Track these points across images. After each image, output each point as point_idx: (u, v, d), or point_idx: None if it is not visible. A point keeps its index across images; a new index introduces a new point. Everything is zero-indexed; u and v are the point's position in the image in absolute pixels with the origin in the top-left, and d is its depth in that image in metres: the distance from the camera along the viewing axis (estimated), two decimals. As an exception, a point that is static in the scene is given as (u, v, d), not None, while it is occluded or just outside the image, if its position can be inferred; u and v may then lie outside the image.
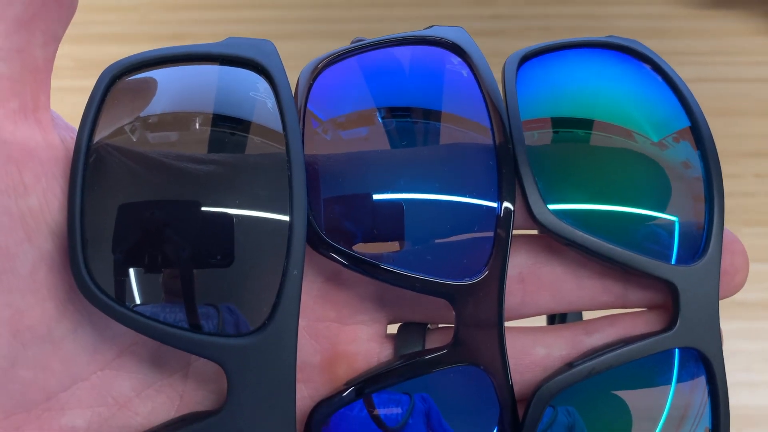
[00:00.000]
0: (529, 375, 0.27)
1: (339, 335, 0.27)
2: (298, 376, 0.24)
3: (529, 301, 0.27)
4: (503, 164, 0.26)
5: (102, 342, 0.23)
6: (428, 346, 0.27)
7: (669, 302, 0.27)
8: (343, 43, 0.27)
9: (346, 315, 0.27)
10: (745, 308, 0.56)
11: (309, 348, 0.27)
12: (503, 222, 0.26)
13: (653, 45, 0.66)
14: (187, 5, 0.63)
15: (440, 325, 0.28)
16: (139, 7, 0.62)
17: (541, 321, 0.31)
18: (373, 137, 0.27)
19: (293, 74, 0.25)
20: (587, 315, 0.29)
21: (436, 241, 0.26)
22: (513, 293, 0.27)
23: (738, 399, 0.53)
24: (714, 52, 0.64)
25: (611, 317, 0.28)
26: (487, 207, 0.26)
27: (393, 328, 0.29)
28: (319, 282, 0.27)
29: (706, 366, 0.26)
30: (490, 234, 0.26)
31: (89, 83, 0.52)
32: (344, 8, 0.63)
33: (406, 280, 0.25)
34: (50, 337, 0.23)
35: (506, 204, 0.26)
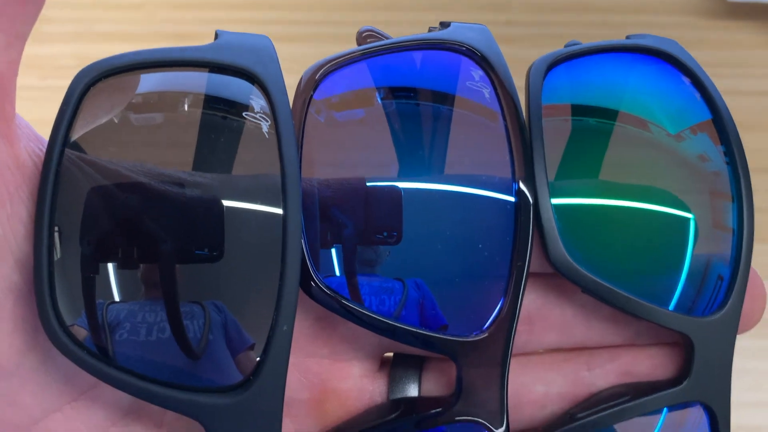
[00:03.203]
0: (528, 411, 0.27)
1: (331, 371, 0.26)
2: (285, 410, 0.22)
3: (534, 340, 0.27)
4: (522, 205, 0.24)
5: (75, 372, 0.22)
6: (424, 382, 0.26)
7: (678, 342, 0.26)
8: (351, 47, 0.26)
9: (339, 351, 0.26)
10: (758, 325, 0.55)
11: (297, 384, 0.25)
12: (516, 276, 0.24)
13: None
14: (194, 4, 0.63)
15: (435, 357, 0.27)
16: (145, 5, 0.62)
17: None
18: (381, 163, 0.24)
19: (297, 78, 0.24)
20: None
21: (441, 287, 0.24)
22: (519, 333, 0.26)
23: (748, 418, 0.52)
24: (728, 63, 0.63)
25: (613, 351, 0.27)
26: (500, 256, 0.24)
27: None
28: (311, 320, 0.26)
29: (712, 421, 0.26)
30: (501, 286, 0.24)
31: (92, 82, 0.50)
32: (353, 11, 0.62)
33: (408, 335, 0.24)
34: (18, 370, 0.21)
35: (519, 257, 0.24)
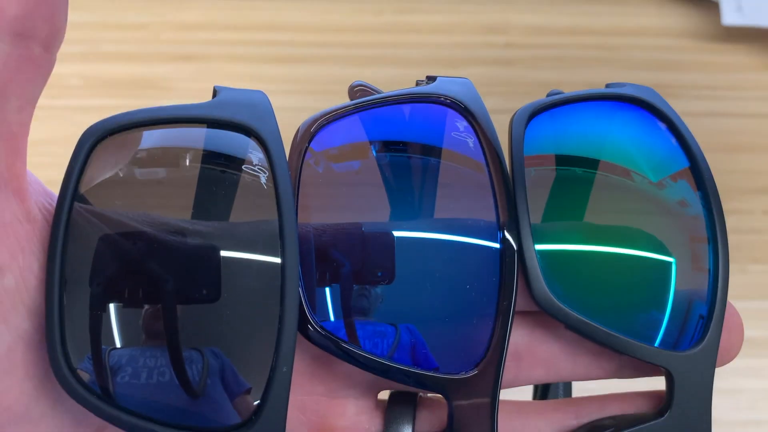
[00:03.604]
0: None
1: (328, 409, 0.27)
2: None
3: (522, 376, 0.28)
4: (507, 248, 0.25)
5: (83, 416, 0.23)
6: (419, 418, 0.27)
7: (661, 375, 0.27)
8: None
9: (336, 389, 0.27)
10: (752, 345, 0.55)
11: (296, 421, 0.26)
12: (503, 315, 0.25)
13: (664, 78, 0.66)
14: (199, 25, 0.63)
15: (430, 395, 0.28)
16: (150, 25, 0.62)
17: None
18: (372, 210, 0.26)
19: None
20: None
21: (432, 330, 0.25)
22: (507, 369, 0.27)
23: (744, 438, 0.52)
24: (723, 86, 0.64)
25: (602, 401, 0.28)
26: (487, 297, 0.25)
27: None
28: (308, 360, 0.26)
29: None
30: (489, 325, 0.25)
31: (97, 102, 0.52)
32: (357, 33, 0.63)
33: (401, 374, 0.25)
34: (29, 416, 0.22)
35: (506, 296, 0.25)
